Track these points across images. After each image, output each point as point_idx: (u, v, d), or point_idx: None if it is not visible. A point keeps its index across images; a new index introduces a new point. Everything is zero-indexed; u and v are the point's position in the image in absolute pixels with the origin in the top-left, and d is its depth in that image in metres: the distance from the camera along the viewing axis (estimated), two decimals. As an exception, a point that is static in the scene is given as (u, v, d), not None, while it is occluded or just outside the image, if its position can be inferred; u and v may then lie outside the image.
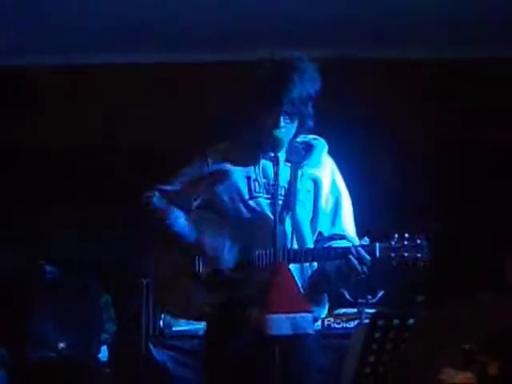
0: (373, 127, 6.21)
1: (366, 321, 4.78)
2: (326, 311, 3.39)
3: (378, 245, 3.10)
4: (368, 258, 3.09)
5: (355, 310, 4.99)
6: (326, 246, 3.27)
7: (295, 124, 3.25)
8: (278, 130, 3.18)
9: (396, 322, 2.96)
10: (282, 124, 3.20)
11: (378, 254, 3.09)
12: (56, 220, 6.30)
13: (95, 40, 6.18)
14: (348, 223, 3.35)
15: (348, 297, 4.84)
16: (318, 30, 6.00)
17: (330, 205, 3.34)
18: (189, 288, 3.22)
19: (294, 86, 3.15)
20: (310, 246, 3.26)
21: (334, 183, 3.36)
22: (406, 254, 3.07)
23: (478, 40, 6.10)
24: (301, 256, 3.14)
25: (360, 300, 4.91)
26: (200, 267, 3.22)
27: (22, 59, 6.35)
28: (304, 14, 5.77)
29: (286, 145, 3.24)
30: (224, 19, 5.86)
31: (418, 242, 3.08)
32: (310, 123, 3.29)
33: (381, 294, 4.95)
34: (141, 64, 6.40)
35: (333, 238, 3.31)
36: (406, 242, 3.08)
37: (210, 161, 3.32)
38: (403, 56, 6.30)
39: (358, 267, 3.08)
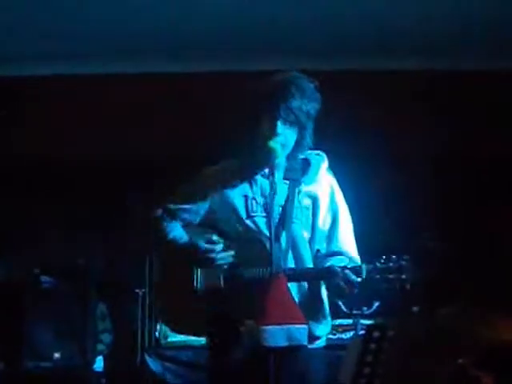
0: (372, 141, 6.23)
1: (362, 332, 4.78)
2: (329, 328, 3.36)
3: (364, 266, 3.11)
4: (355, 279, 3.08)
5: (351, 320, 5.00)
6: (324, 263, 3.27)
7: (294, 134, 3.23)
8: (272, 141, 3.16)
9: (391, 333, 2.96)
10: (280, 131, 3.19)
11: (364, 276, 3.09)
12: (52, 230, 6.30)
13: (92, 50, 6.19)
14: (347, 240, 3.33)
15: (343, 308, 4.84)
16: (316, 43, 6.02)
17: (328, 221, 3.32)
18: (188, 304, 3.22)
19: (292, 98, 3.15)
20: (309, 264, 3.25)
21: (332, 199, 3.34)
22: (390, 276, 3.07)
23: (478, 52, 6.13)
24: (289, 276, 3.12)
25: (355, 311, 4.91)
26: (198, 283, 3.23)
27: (15, 69, 6.37)
28: (303, 28, 5.79)
29: (282, 155, 3.22)
30: (225, 29, 5.87)
31: (403, 263, 3.07)
32: (309, 141, 3.26)
33: (376, 305, 4.96)
34: (138, 75, 6.41)
35: (331, 254, 3.30)
36: (390, 264, 3.07)
37: (208, 178, 3.32)
38: (401, 68, 6.33)
39: (345, 288, 3.09)
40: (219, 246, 3.22)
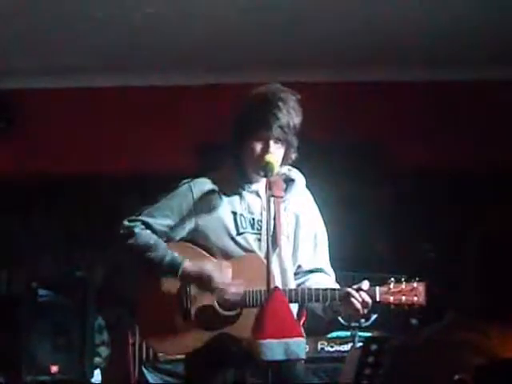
0: (365, 153, 6.24)
1: (360, 344, 4.77)
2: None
3: (378, 289, 3.14)
4: (370, 301, 3.13)
5: (348, 333, 4.99)
6: (304, 279, 3.30)
7: (282, 152, 3.24)
8: (269, 155, 3.16)
9: (389, 346, 2.95)
10: (272, 149, 3.19)
11: (378, 298, 3.13)
12: (49, 243, 6.30)
13: (89, 64, 6.21)
14: (325, 256, 3.37)
15: (341, 320, 4.83)
16: (313, 54, 6.04)
17: (309, 238, 3.34)
18: (177, 325, 3.20)
19: (281, 114, 3.15)
20: (292, 280, 3.27)
21: (312, 216, 3.36)
22: (403, 298, 3.13)
23: (476, 62, 6.15)
24: (297, 296, 3.15)
25: (353, 323, 4.90)
26: (188, 304, 3.19)
27: (9, 82, 6.37)
28: (299, 38, 5.79)
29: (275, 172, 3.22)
30: (218, 42, 5.89)
31: (415, 285, 3.13)
32: (294, 155, 3.27)
33: (374, 317, 4.95)
34: (127, 88, 6.43)
35: (311, 271, 3.33)
36: (403, 286, 3.13)
37: (194, 192, 3.25)
38: (397, 79, 6.35)
39: (361, 310, 3.11)
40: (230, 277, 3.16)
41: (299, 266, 3.33)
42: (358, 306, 3.12)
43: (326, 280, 3.29)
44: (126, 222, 3.24)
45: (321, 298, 3.15)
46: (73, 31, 5.64)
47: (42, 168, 6.35)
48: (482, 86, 6.29)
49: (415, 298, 3.12)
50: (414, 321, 5.02)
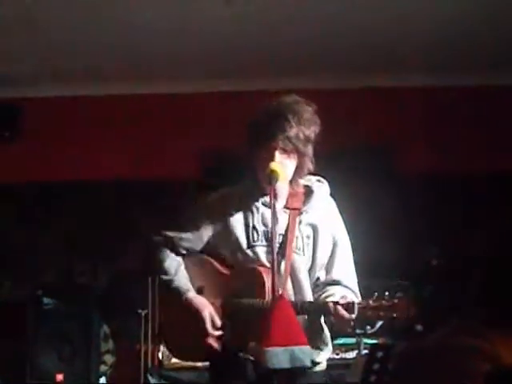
0: (373, 158, 6.24)
1: (365, 351, 4.77)
2: (329, 354, 3.38)
3: (356, 303, 3.10)
4: (347, 315, 3.08)
5: (354, 340, 4.98)
6: (322, 291, 3.28)
7: (293, 162, 3.23)
8: (273, 163, 3.16)
9: (395, 353, 2.95)
10: (278, 159, 3.18)
11: (355, 313, 3.08)
12: (54, 251, 6.30)
13: (86, 71, 6.22)
14: (345, 268, 3.33)
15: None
16: (319, 60, 6.04)
17: (328, 250, 3.31)
18: (192, 333, 3.25)
19: (289, 126, 3.14)
20: (307, 293, 3.26)
21: (332, 228, 3.33)
22: (381, 313, 3.07)
23: (477, 67, 6.16)
24: None
25: (358, 330, 4.89)
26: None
27: (13, 90, 6.39)
28: (306, 43, 5.80)
29: (284, 180, 3.21)
30: (226, 48, 5.90)
31: (396, 301, 3.07)
32: (310, 166, 3.26)
33: (379, 324, 4.94)
34: (131, 95, 6.44)
35: (330, 283, 3.30)
36: (383, 302, 3.07)
37: (211, 206, 3.32)
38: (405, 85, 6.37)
39: (335, 324, 3.10)
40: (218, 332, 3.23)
41: (318, 279, 3.32)
42: (333, 319, 3.11)
43: (342, 293, 3.23)
44: (155, 238, 3.38)
45: (306, 310, 3.16)
46: (77, 39, 5.65)
47: (47, 175, 6.36)
48: (483, 90, 6.30)
49: (394, 315, 3.06)
50: (419, 327, 5.00)
